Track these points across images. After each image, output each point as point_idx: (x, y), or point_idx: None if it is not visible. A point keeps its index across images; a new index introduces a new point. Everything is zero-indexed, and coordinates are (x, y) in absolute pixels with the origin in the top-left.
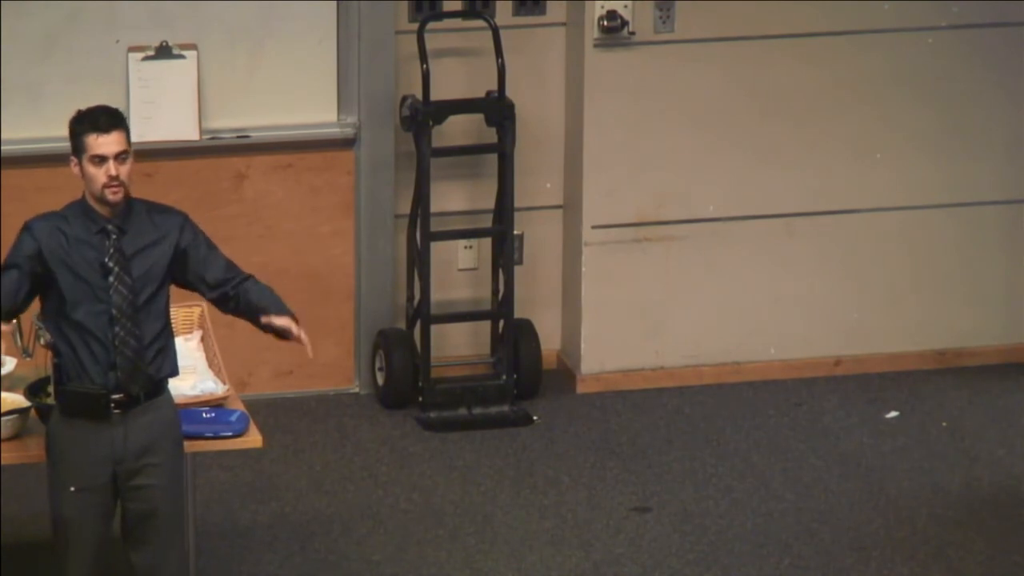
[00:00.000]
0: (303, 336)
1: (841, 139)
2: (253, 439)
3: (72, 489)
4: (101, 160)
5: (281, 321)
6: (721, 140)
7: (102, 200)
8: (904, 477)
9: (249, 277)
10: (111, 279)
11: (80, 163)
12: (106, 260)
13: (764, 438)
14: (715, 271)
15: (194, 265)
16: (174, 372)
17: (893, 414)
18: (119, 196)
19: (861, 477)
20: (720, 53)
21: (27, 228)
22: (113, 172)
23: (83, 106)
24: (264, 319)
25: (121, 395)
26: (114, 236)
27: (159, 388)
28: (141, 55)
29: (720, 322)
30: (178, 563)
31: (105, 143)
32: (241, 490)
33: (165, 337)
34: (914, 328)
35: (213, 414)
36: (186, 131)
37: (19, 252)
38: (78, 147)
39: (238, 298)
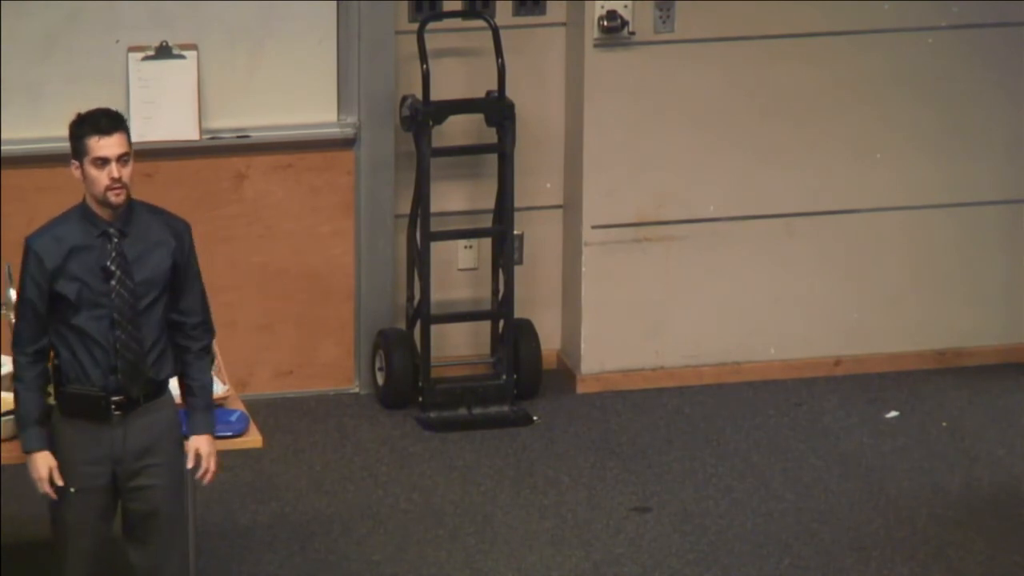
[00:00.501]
0: (208, 472)
1: (841, 139)
2: (253, 439)
3: (72, 490)
4: (103, 162)
5: (193, 449)
6: (721, 140)
7: (104, 203)
8: (904, 477)
9: (208, 329)
10: (113, 283)
11: (81, 166)
12: (108, 264)
13: (764, 438)
14: (715, 271)
15: (177, 284)
16: (174, 373)
17: (893, 414)
18: (121, 198)
19: (861, 477)
20: (720, 53)
21: (29, 249)
22: (116, 174)
23: (83, 106)
24: (190, 430)
25: (121, 397)
26: (115, 239)
27: (160, 389)
28: (141, 55)
29: (720, 322)
30: (178, 563)
31: (107, 145)
32: (241, 490)
33: (165, 339)
34: (914, 328)
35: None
36: (186, 131)
37: (30, 284)
38: (79, 150)
39: (181, 347)
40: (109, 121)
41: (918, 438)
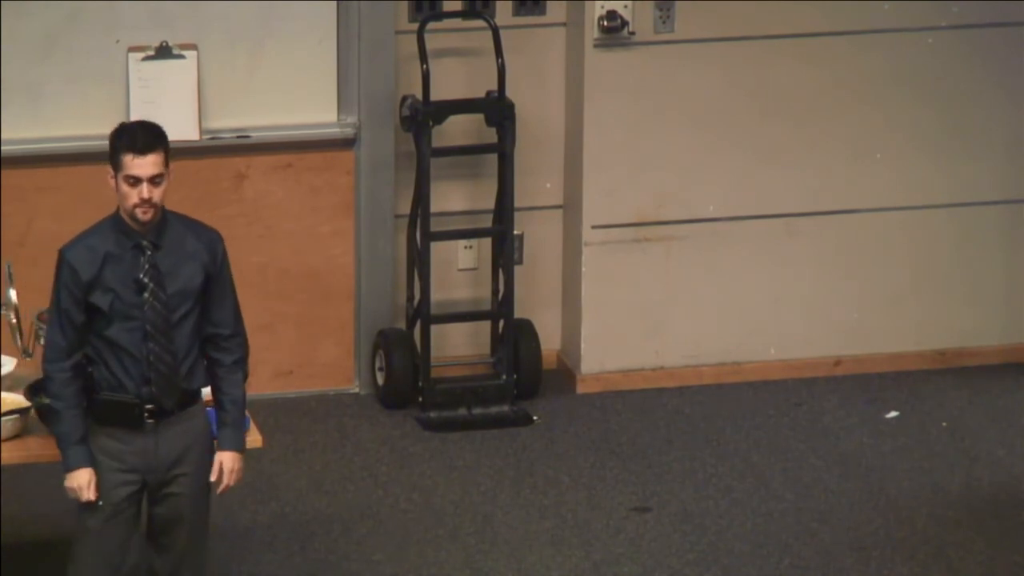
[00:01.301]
0: (226, 487)
1: (841, 139)
2: (253, 439)
3: (100, 503)
4: (135, 181)
5: (219, 463)
6: (721, 140)
7: (132, 218)
8: (904, 477)
9: (241, 343)
10: (146, 295)
11: (116, 178)
12: (141, 276)
13: (764, 438)
14: (715, 271)
15: (210, 296)
16: (207, 382)
17: (893, 414)
18: (149, 216)
19: (861, 477)
20: (720, 53)
21: (63, 260)
22: (146, 195)
23: (83, 106)
24: (218, 445)
25: (154, 405)
26: (149, 252)
27: (193, 398)
28: (141, 55)
29: (720, 322)
30: (197, 570)
31: (140, 165)
32: (241, 490)
33: (198, 350)
34: (914, 328)
35: (213, 414)
36: (186, 131)
37: (66, 295)
38: (114, 162)
39: (214, 359)
40: (146, 139)
41: (918, 438)
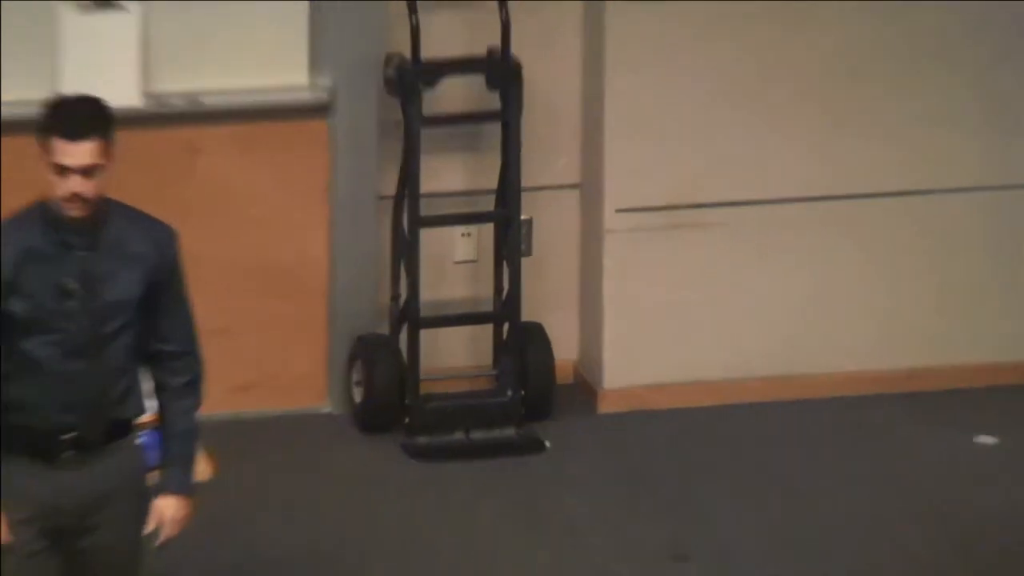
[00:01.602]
0: (164, 534)
1: (922, 107)
2: (201, 469)
3: (11, 545)
4: (65, 171)
5: (159, 509)
6: (769, 109)
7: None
8: (993, 516)
9: (193, 362)
10: (71, 303)
11: (45, 159)
12: (66, 280)
13: (821, 466)
14: (762, 265)
15: (155, 305)
16: (141, 411)
17: (986, 439)
18: (80, 213)
19: (940, 514)
20: (766, 7)
21: None
22: (77, 189)
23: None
24: (160, 487)
25: (75, 436)
26: (79, 251)
27: (123, 430)
28: (75, 5)
29: (769, 327)
30: None
31: (71, 154)
32: (190, 529)
33: (136, 371)
34: (1005, 335)
35: (149, 438)
36: (126, 95)
37: None
38: (43, 143)
39: (159, 382)
40: (82, 123)
41: (1009, 466)
